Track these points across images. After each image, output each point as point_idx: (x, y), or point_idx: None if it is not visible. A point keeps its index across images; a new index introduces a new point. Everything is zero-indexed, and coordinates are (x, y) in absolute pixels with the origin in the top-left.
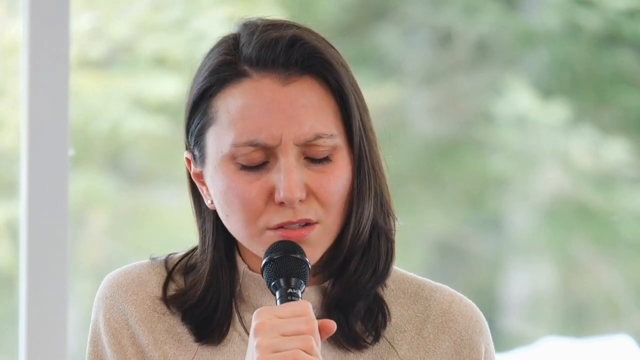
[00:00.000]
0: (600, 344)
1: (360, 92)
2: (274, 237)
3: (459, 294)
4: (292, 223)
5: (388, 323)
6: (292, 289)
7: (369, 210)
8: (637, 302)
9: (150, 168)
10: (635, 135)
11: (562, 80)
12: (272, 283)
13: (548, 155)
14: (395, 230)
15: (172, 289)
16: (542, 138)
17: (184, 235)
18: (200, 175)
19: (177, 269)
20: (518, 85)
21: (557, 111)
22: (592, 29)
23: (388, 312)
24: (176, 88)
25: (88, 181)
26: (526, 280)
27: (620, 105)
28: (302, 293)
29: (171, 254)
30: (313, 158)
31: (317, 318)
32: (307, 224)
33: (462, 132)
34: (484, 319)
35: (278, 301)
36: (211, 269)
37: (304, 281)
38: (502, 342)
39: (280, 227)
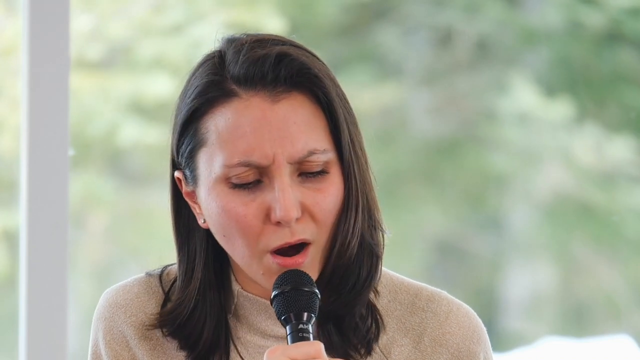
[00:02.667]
0: (600, 344)
1: (349, 105)
2: (272, 263)
3: (456, 301)
4: (289, 244)
5: (382, 335)
6: (304, 324)
7: (357, 225)
8: (637, 302)
9: (150, 169)
10: (637, 133)
11: (564, 78)
12: (283, 317)
13: (551, 153)
14: (383, 245)
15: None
16: (545, 136)
17: None
18: (192, 195)
19: (173, 289)
20: (521, 82)
21: (560, 109)
22: (595, 27)
23: (382, 321)
24: (174, 90)
25: (87, 183)
26: (526, 280)
27: (623, 104)
28: (312, 327)
29: (166, 266)
30: (307, 172)
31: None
32: (303, 243)
33: (462, 132)
34: (482, 326)
35: (289, 337)
36: (200, 288)
37: (314, 314)
38: (502, 342)
39: (279, 251)
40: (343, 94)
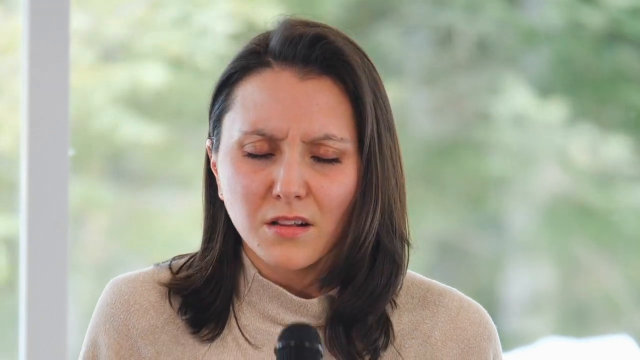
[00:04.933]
0: (600, 344)
1: (385, 104)
2: (269, 234)
3: (467, 298)
4: (286, 218)
5: (390, 345)
6: None
7: (371, 223)
8: (637, 302)
9: (150, 171)
10: (636, 132)
11: (564, 78)
12: None
13: (547, 154)
14: (406, 256)
15: (167, 282)
16: (542, 137)
17: (183, 237)
18: (215, 165)
19: (182, 270)
20: (517, 83)
21: (556, 110)
22: (594, 27)
23: (393, 334)
24: (171, 79)
25: (88, 183)
26: (526, 280)
27: (622, 103)
28: None
29: (176, 257)
30: (320, 157)
31: (319, 326)
32: (303, 224)
33: (462, 132)
34: (492, 324)
35: None
36: (218, 258)
37: None
38: (502, 342)
39: (275, 221)
40: (379, 90)
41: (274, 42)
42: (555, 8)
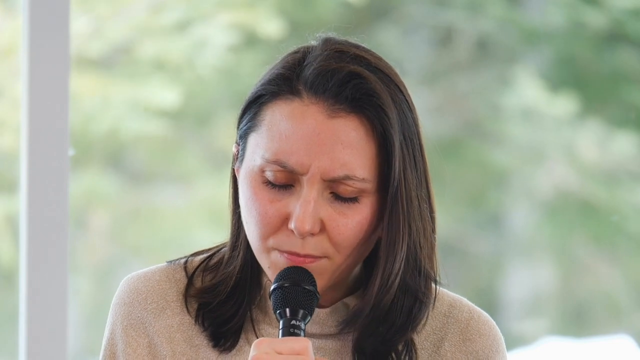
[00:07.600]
0: (600, 344)
1: (414, 142)
2: (280, 259)
3: (476, 308)
4: (298, 255)
5: None
6: (297, 321)
7: (399, 266)
8: (637, 302)
9: (151, 168)
10: (637, 132)
11: (565, 78)
12: (278, 311)
13: (554, 149)
14: (430, 294)
15: (192, 294)
16: (548, 132)
17: (184, 235)
18: (238, 172)
19: (197, 273)
20: (521, 81)
21: (562, 106)
22: (596, 28)
23: (416, 356)
24: (175, 98)
25: (89, 181)
26: (526, 280)
27: (623, 103)
28: (305, 325)
29: (192, 255)
30: (338, 195)
31: (330, 334)
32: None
33: (463, 131)
34: (500, 335)
35: (280, 332)
36: (241, 268)
37: (310, 313)
38: None
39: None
40: (412, 129)
41: (307, 72)
42: (557, 8)
